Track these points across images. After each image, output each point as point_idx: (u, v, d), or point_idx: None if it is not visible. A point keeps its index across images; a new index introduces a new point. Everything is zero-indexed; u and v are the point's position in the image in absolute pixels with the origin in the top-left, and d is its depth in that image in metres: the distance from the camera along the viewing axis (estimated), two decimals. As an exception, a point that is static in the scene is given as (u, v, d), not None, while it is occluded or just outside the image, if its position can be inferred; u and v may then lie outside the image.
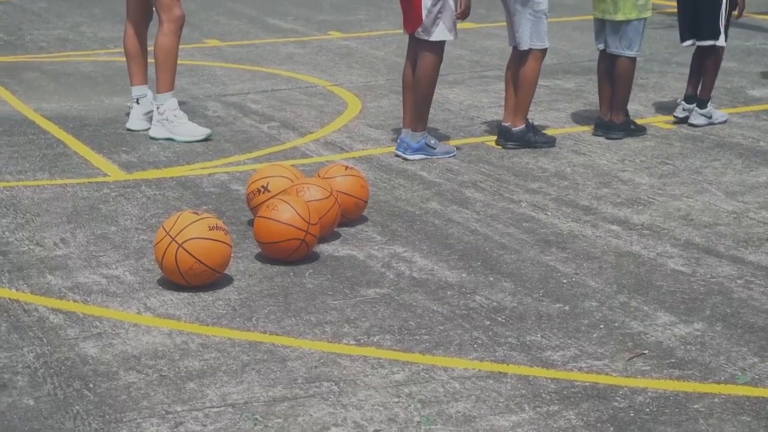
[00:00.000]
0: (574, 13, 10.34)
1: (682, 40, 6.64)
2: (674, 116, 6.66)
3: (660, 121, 6.72)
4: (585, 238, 4.85)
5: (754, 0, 10.97)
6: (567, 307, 4.13)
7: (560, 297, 4.22)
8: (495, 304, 4.16)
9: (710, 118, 6.65)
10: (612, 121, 6.39)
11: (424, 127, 6.06)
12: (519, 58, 6.18)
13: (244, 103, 7.31)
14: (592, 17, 6.47)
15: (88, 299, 4.20)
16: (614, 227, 4.98)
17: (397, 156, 6.06)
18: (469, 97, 7.44)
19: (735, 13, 6.59)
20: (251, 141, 6.42)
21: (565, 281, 4.37)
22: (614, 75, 6.35)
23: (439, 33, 5.91)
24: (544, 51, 6.18)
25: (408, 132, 6.06)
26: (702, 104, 6.63)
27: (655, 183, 5.59)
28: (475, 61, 8.53)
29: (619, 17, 6.25)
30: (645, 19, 6.29)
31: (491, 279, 4.40)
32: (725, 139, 6.34)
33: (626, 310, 4.11)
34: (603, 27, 6.39)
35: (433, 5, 5.84)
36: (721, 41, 6.51)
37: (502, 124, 6.31)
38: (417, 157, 6.01)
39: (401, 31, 6.21)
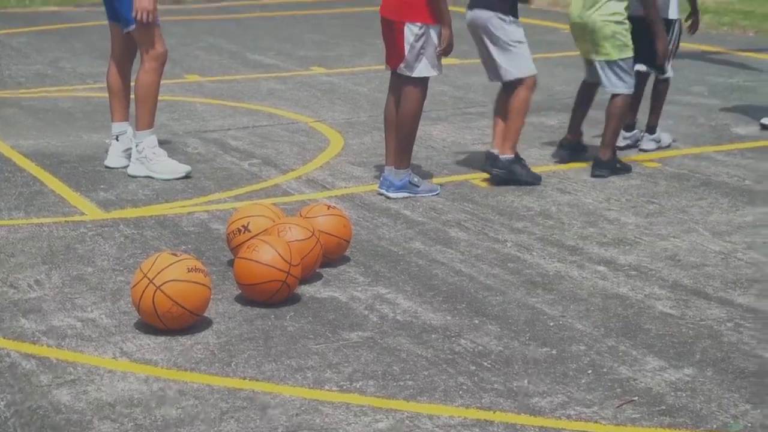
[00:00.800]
0: (556, 50, 10.32)
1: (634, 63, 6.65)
2: (641, 149, 6.74)
3: (645, 160, 6.66)
4: (571, 279, 4.76)
5: (737, 39, 11.00)
6: (554, 351, 4.04)
7: (547, 340, 4.13)
8: (480, 348, 4.07)
9: (659, 142, 6.78)
10: (598, 157, 6.35)
11: (407, 165, 5.97)
12: (508, 89, 6.16)
13: (224, 139, 7.22)
14: (574, 53, 6.47)
15: (62, 344, 4.08)
16: (601, 268, 4.90)
17: (380, 194, 5.98)
18: (452, 134, 7.37)
19: (687, 25, 6.81)
20: (232, 178, 6.33)
21: (551, 324, 4.28)
22: (606, 111, 6.38)
23: (422, 69, 5.84)
24: (533, 78, 6.11)
25: (391, 169, 5.97)
26: (652, 130, 6.77)
27: (642, 222, 5.53)
28: (458, 98, 8.47)
29: (601, 57, 6.26)
30: (628, 57, 6.25)
31: (476, 322, 4.30)
32: (711, 177, 6.28)
33: (615, 354, 4.02)
34: (585, 63, 6.47)
35: (416, 41, 5.77)
36: (669, 72, 6.72)
37: (490, 150, 6.26)
38: (400, 195, 5.93)
39: (384, 66, 6.14)
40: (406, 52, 5.80)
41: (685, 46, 10.27)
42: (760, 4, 12.32)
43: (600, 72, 6.34)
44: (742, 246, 5.16)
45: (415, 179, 5.98)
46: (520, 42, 6.10)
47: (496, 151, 6.19)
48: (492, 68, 6.21)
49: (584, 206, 5.80)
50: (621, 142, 6.74)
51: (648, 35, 6.37)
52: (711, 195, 5.96)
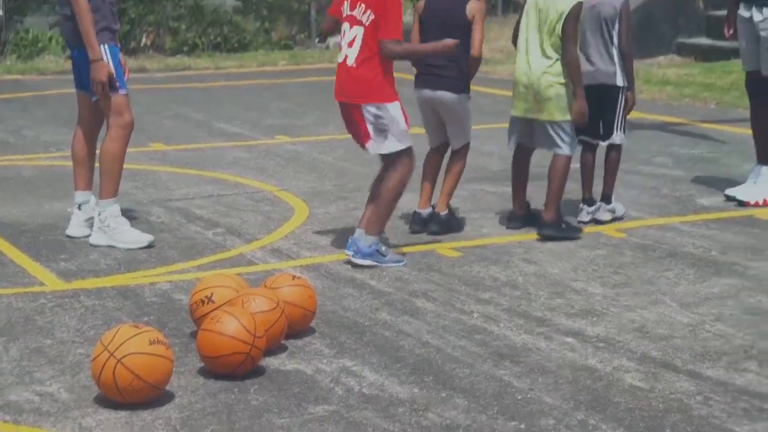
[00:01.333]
0: (521, 120, 10.36)
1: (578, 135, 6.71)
2: (579, 221, 6.68)
3: (610, 230, 6.66)
4: (539, 351, 4.71)
5: (698, 110, 11.12)
6: (523, 425, 3.97)
7: (516, 414, 4.07)
8: (448, 422, 4.00)
9: (614, 212, 6.78)
10: (542, 218, 6.39)
11: (378, 233, 5.95)
12: (441, 154, 6.69)
13: (188, 208, 7.16)
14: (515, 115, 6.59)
15: (20, 419, 3.97)
16: (569, 339, 4.86)
17: (346, 256, 5.93)
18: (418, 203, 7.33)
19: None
20: (196, 248, 6.26)
21: (520, 397, 4.22)
22: (548, 172, 6.45)
23: (390, 145, 5.87)
24: (468, 145, 6.66)
25: (361, 232, 5.92)
26: (607, 199, 6.76)
27: (609, 293, 5.50)
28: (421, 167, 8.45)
29: (544, 118, 6.33)
30: (569, 120, 6.33)
31: (444, 395, 4.24)
32: (677, 248, 6.28)
33: (585, 428, 3.96)
34: (519, 125, 6.54)
35: (376, 119, 5.83)
36: (618, 139, 6.72)
37: (417, 210, 6.62)
38: (366, 262, 5.87)
39: (349, 135, 6.15)
40: (370, 133, 5.87)
41: (648, 117, 10.37)
42: (720, 77, 12.47)
43: (540, 132, 6.40)
44: (710, 318, 5.14)
45: (383, 248, 5.95)
46: (468, 116, 6.61)
47: (433, 210, 6.55)
48: (437, 134, 6.67)
49: (551, 276, 5.77)
50: (585, 217, 6.74)
51: (596, 103, 6.47)
52: (677, 266, 5.95)
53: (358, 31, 5.81)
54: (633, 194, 7.49)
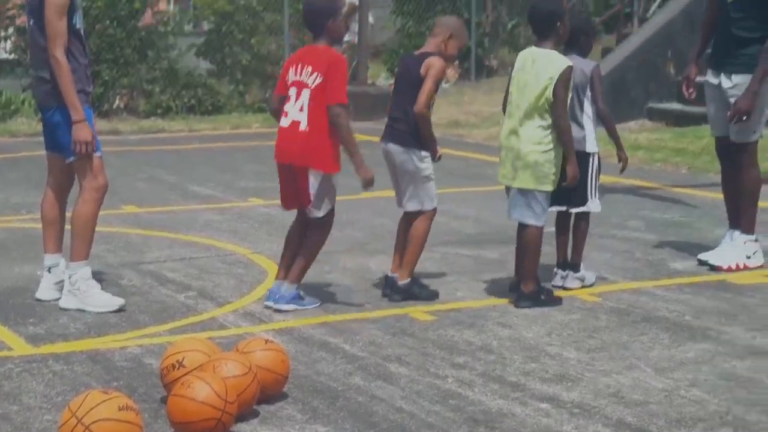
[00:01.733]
0: (495, 183, 10.37)
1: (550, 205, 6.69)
2: (553, 286, 6.64)
3: (584, 294, 6.65)
4: (514, 417, 4.67)
5: (670, 175, 11.19)
6: (498, 493, 3.92)
7: (491, 482, 4.01)
8: (422, 489, 3.94)
9: (583, 280, 6.74)
10: (521, 290, 6.33)
11: (299, 281, 6.21)
12: (409, 218, 6.47)
13: (160, 271, 7.10)
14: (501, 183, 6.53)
15: (-16, 487, 3.88)
16: (544, 405, 4.81)
17: (268, 307, 6.12)
18: (390, 266, 7.30)
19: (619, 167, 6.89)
20: (167, 311, 6.20)
21: (495, 464, 4.17)
22: (521, 243, 6.35)
23: (326, 206, 6.11)
24: (434, 211, 6.44)
25: (284, 283, 6.17)
26: (575, 268, 6.72)
27: (583, 358, 5.47)
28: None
29: (517, 185, 6.27)
30: (546, 191, 6.27)
31: (418, 462, 4.18)
32: (651, 312, 6.27)
33: (560, 496, 3.91)
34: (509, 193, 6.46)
35: (320, 185, 6.01)
36: (594, 207, 6.70)
37: (389, 274, 6.50)
38: (289, 307, 6.14)
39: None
40: (312, 198, 6.02)
41: (620, 181, 10.41)
42: (692, 142, 12.57)
43: (513, 199, 6.34)
44: (685, 383, 5.11)
45: (301, 292, 6.21)
46: (428, 177, 6.39)
47: (395, 275, 6.46)
48: (399, 196, 6.52)
49: (525, 341, 5.74)
50: (559, 282, 6.72)
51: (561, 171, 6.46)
52: (652, 330, 5.93)
53: (306, 95, 5.98)
54: (606, 258, 7.50)
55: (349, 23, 17.71)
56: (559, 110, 6.16)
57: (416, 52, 6.52)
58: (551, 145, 6.21)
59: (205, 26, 17.28)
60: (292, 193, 6.17)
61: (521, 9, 18.45)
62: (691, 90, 7.34)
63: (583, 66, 6.61)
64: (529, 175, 6.22)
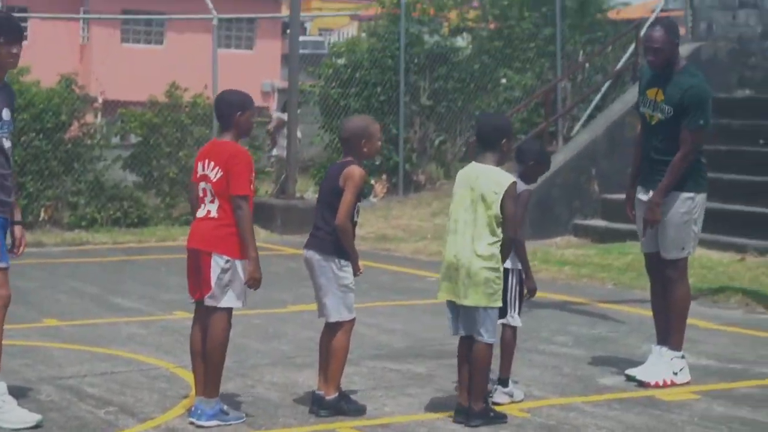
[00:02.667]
0: (423, 297, 10.37)
1: None
2: (493, 402, 6.55)
3: (514, 410, 6.58)
4: None
5: (596, 290, 11.26)
6: None
7: None
8: None
9: (512, 396, 6.68)
10: (471, 408, 6.21)
11: (217, 393, 6.07)
12: (329, 330, 6.32)
13: (80, 386, 6.90)
14: (442, 300, 6.41)
15: None
16: None
17: (192, 423, 5.98)
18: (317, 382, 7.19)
19: (526, 293, 6.74)
20: (86, 428, 6.00)
21: None
22: (470, 361, 6.23)
23: (228, 300, 6.03)
24: (352, 322, 6.33)
25: (202, 399, 6.05)
26: (504, 383, 6.66)
27: (513, 475, 5.37)
28: (324, 345, 8.33)
29: (468, 302, 6.19)
30: (496, 307, 6.24)
31: None
32: (580, 429, 6.22)
33: None
34: (455, 311, 6.31)
35: (223, 273, 5.97)
36: (514, 321, 6.67)
37: (316, 392, 6.37)
38: (212, 423, 6.00)
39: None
40: (213, 284, 5.99)
41: (548, 296, 10.45)
42: (617, 258, 12.70)
43: (465, 317, 6.24)
44: (615, 500, 5.04)
45: (225, 407, 6.08)
46: (347, 287, 6.29)
47: (321, 392, 6.32)
48: (320, 306, 6.40)
49: (454, 458, 5.63)
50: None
51: None
52: (581, 446, 5.87)
53: (209, 188, 6.06)
54: (535, 373, 7.46)
55: (277, 138, 17.80)
56: (507, 225, 6.15)
57: (338, 161, 6.52)
58: (500, 262, 6.19)
59: (133, 139, 17.22)
60: (196, 281, 6.12)
61: (448, 125, 18.71)
62: (634, 212, 7.39)
63: (502, 183, 6.63)
64: (481, 293, 6.14)
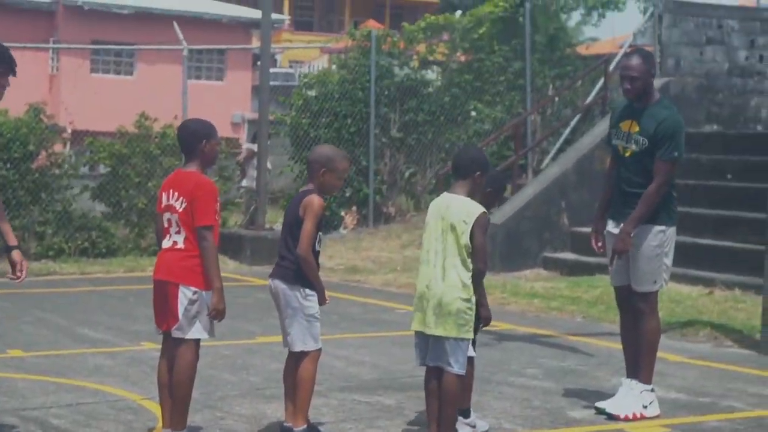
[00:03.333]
0: (393, 329, 10.33)
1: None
2: None
3: (484, 442, 6.54)
4: None
5: (566, 323, 11.26)
6: None
7: None
8: None
9: (474, 427, 6.63)
10: None
11: (185, 425, 6.00)
12: (294, 359, 6.28)
13: (45, 418, 6.80)
14: (411, 332, 6.36)
15: None
16: None
17: None
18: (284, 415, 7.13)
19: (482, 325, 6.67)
20: (50, 460, 5.90)
21: None
22: (440, 392, 6.18)
23: (196, 331, 5.97)
24: (318, 351, 6.27)
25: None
26: (465, 414, 6.60)
27: None
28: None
29: (440, 332, 6.14)
30: (468, 339, 6.20)
31: None
32: (550, 461, 6.19)
33: None
34: (423, 342, 6.26)
35: (190, 304, 5.92)
36: (469, 351, 6.54)
37: (284, 424, 6.29)
38: None
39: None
40: (180, 316, 5.93)
41: (518, 329, 10.45)
42: (586, 290, 12.72)
43: (435, 347, 6.17)
44: None
45: None
46: (313, 317, 6.23)
47: (289, 425, 6.24)
48: (284, 336, 6.32)
49: (424, 491, 5.58)
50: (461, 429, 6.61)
51: None
52: (551, 479, 5.84)
53: (174, 218, 6.00)
54: (505, 406, 7.43)
55: (247, 169, 17.76)
56: (476, 255, 6.14)
57: (301, 189, 6.47)
58: (472, 292, 6.15)
59: (102, 169, 17.14)
60: (163, 312, 6.05)
61: (418, 157, 18.75)
62: (600, 243, 7.37)
63: (470, 212, 6.65)
64: (453, 323, 6.10)
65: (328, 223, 17.89)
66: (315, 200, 6.20)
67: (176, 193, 6.02)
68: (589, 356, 9.40)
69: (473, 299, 6.17)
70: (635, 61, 7.12)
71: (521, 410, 7.40)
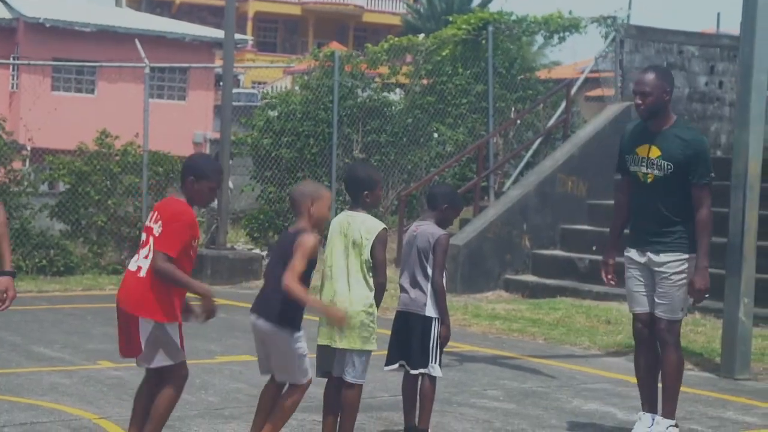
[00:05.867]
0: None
1: (389, 363, 6.68)
2: None
3: (445, 463, 6.49)
4: None
5: (527, 345, 11.25)
6: None
7: None
8: None
9: None
10: None
11: None
12: (278, 386, 6.16)
13: (-2, 436, 6.67)
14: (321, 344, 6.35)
15: None
16: None
17: None
18: (246, 434, 7.06)
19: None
20: (3, 480, 5.77)
21: None
22: (341, 403, 6.24)
23: (160, 359, 5.83)
24: (309, 383, 6.15)
25: None
26: None
27: None
28: (253, 396, 8.14)
29: (344, 345, 6.19)
30: (369, 351, 6.24)
31: None
32: (512, 482, 6.14)
33: None
34: (326, 354, 6.29)
35: (151, 336, 5.76)
36: (435, 371, 6.63)
37: None
38: None
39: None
40: (143, 346, 5.79)
41: (479, 350, 10.42)
42: (547, 313, 12.72)
43: (339, 359, 6.23)
44: None
45: None
46: (302, 356, 6.09)
47: None
48: (263, 365, 6.20)
49: None
50: None
51: (409, 331, 6.52)
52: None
53: (150, 241, 5.84)
54: (466, 427, 7.38)
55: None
56: (380, 271, 6.22)
57: (291, 229, 6.26)
58: (374, 306, 6.24)
59: (62, 186, 16.97)
60: (125, 340, 5.91)
61: (384, 177, 18.73)
62: (610, 276, 7.09)
63: (431, 233, 6.66)
64: (356, 336, 6.17)
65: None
66: (309, 239, 6.03)
67: (157, 214, 5.85)
68: (551, 378, 9.37)
69: (375, 313, 6.24)
70: (649, 76, 6.85)
71: (482, 431, 7.35)
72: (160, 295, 5.76)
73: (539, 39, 22.64)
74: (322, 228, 6.24)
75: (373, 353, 6.27)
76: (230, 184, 16.95)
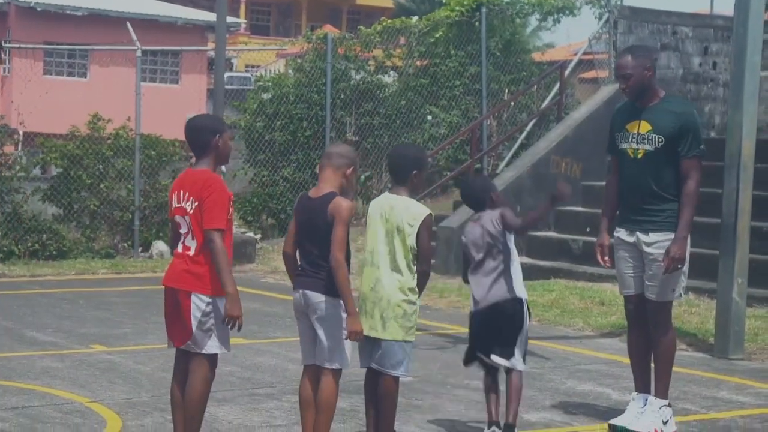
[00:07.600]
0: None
1: (469, 361, 6.57)
2: None
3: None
4: None
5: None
6: None
7: None
8: None
9: None
10: None
11: None
12: (315, 378, 5.86)
13: (-10, 420, 6.65)
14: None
15: None
16: None
17: None
18: (239, 415, 7.03)
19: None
20: (-6, 463, 5.75)
21: None
22: (378, 395, 6.01)
23: (212, 346, 5.57)
24: (343, 370, 5.90)
25: None
26: (509, 429, 6.44)
27: None
28: (246, 378, 8.16)
29: (387, 336, 5.97)
30: (411, 342, 6.04)
31: None
32: (505, 463, 6.13)
33: None
34: (368, 344, 6.01)
35: (204, 316, 5.52)
36: (520, 364, 6.61)
37: None
38: None
39: (167, 348, 5.82)
40: (193, 329, 5.52)
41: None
42: (541, 294, 12.69)
43: (381, 351, 5.96)
44: None
45: None
46: (342, 329, 5.80)
47: None
48: (307, 352, 5.91)
49: (378, 494, 5.50)
50: None
51: (496, 322, 6.44)
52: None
53: (186, 221, 5.59)
54: (460, 409, 7.37)
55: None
56: (424, 258, 5.97)
57: (315, 195, 5.86)
58: (416, 295, 5.99)
59: (54, 170, 16.90)
60: (175, 324, 5.63)
61: (374, 161, 18.67)
62: (606, 258, 6.98)
63: (493, 216, 6.51)
64: (398, 327, 5.93)
65: (283, 225, 17.78)
66: (345, 203, 5.75)
67: (186, 194, 5.58)
68: (545, 359, 9.36)
69: (418, 302, 6.03)
70: (626, 58, 6.79)
71: (477, 413, 7.33)
72: (213, 273, 5.50)
73: (533, 21, 22.57)
74: (350, 196, 5.88)
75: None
76: (223, 168, 16.89)
